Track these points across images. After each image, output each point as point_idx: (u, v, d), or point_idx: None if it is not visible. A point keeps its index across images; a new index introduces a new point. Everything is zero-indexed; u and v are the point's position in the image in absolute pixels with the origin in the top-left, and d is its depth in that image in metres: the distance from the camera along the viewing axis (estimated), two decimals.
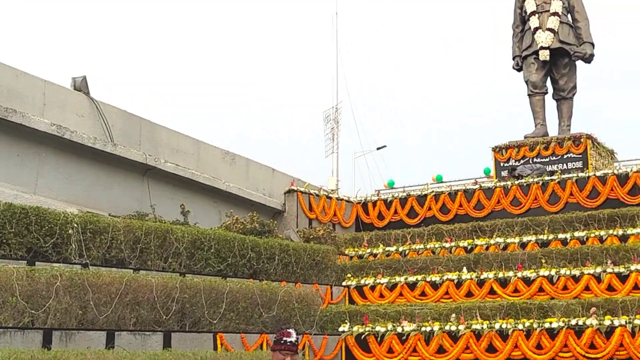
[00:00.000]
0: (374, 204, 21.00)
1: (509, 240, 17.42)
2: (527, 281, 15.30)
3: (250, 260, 15.26)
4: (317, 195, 20.58)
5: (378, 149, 37.16)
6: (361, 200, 21.41)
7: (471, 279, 15.87)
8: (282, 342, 6.08)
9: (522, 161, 20.53)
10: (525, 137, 21.47)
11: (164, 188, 18.16)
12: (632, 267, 14.41)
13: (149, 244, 13.69)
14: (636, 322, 12.29)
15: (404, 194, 20.86)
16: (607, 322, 12.51)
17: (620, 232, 16.40)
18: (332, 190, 21.98)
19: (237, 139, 56.96)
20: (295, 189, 20.37)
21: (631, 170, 18.31)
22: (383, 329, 14.20)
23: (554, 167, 19.96)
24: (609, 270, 14.59)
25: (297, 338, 6.09)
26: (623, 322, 12.41)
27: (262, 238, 16.21)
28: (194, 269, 14.20)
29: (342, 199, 21.30)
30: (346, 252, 18.90)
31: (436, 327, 13.82)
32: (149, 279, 12.27)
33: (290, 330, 6.11)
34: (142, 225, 13.90)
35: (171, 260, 13.94)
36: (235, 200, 19.98)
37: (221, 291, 13.14)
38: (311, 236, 18.84)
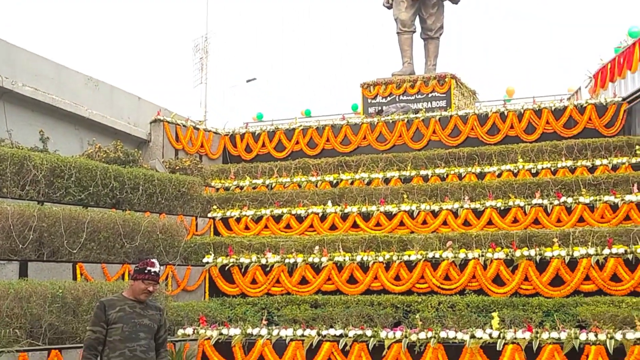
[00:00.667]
0: (242, 136, 21.23)
1: (373, 176, 18.03)
2: (389, 215, 16.00)
3: (113, 190, 15.18)
4: (184, 125, 20.59)
5: (248, 81, 37.05)
6: (229, 132, 21.56)
7: (335, 212, 16.39)
8: (146, 271, 6.31)
9: (388, 98, 21.23)
10: (392, 75, 22.18)
11: (21, 113, 17.67)
12: (487, 204, 15.34)
13: (5, 171, 13.34)
14: (488, 255, 13.18)
15: (272, 128, 21.19)
16: (461, 255, 13.30)
17: (478, 169, 17.42)
18: (200, 122, 21.99)
19: (103, 67, 55.17)
20: (162, 118, 20.31)
21: (491, 111, 19.41)
22: (247, 260, 14.56)
23: (420, 106, 20.73)
24: (465, 206, 15.52)
25: (160, 269, 6.38)
26: (476, 255, 13.23)
27: (126, 167, 16.09)
28: (53, 197, 14.03)
29: (209, 131, 21.36)
30: (212, 183, 19.02)
31: (299, 259, 14.27)
32: (4, 206, 12.07)
33: (154, 260, 6.34)
34: None
35: (29, 188, 13.70)
36: (98, 128, 19.79)
37: (81, 220, 13.12)
38: (177, 167, 18.89)
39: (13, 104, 17.27)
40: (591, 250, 12.65)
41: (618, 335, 9.97)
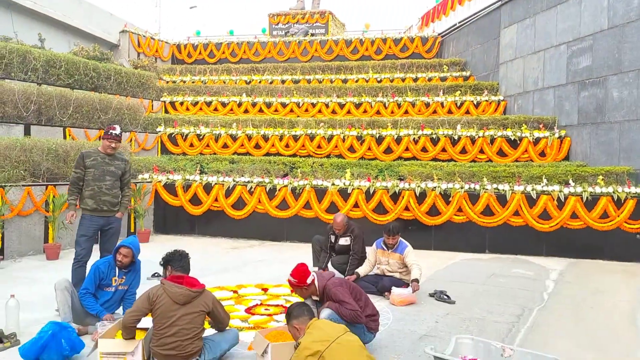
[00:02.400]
0: (185, 46, 20.47)
1: (274, 78, 17.83)
2: (284, 105, 16.01)
3: (92, 78, 14.53)
4: (144, 36, 19.78)
5: (190, 8, 35.39)
6: (176, 42, 20.73)
7: (248, 101, 16.29)
8: (109, 133, 6.26)
9: (287, 25, 21.00)
10: (289, 9, 21.83)
11: (25, 20, 16.83)
12: (347, 99, 15.57)
13: (12, 60, 12.63)
14: (346, 132, 13.51)
15: (206, 41, 20.57)
16: (329, 132, 13.62)
17: (343, 77, 17.53)
18: (156, 34, 21.03)
19: None
20: (128, 29, 19.53)
21: (353, 38, 19.44)
22: (187, 131, 14.41)
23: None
24: (333, 100, 15.72)
25: (121, 132, 6.33)
26: (338, 132, 13.57)
27: (102, 63, 15.42)
28: (49, 81, 13.35)
29: (162, 41, 20.49)
30: (164, 78, 18.40)
31: (222, 131, 14.24)
32: (12, 85, 11.51)
33: (116, 125, 6.33)
34: (6, 45, 12.77)
35: (30, 74, 12.99)
36: (81, 34, 19.12)
37: (69, 98, 12.60)
38: (139, 65, 18.17)
39: (19, 13, 16.19)
40: (410, 132, 13.15)
41: (422, 184, 10.62)
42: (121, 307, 5.55)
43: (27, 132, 11.51)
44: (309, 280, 4.81)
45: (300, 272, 4.83)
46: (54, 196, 9.56)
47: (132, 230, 11.47)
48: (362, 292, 5.03)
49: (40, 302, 6.36)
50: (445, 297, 6.84)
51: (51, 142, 10.44)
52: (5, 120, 11.44)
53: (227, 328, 4.76)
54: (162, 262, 4.78)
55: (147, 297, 4.39)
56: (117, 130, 6.31)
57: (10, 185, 9.08)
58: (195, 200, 11.75)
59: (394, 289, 6.61)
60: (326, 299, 4.80)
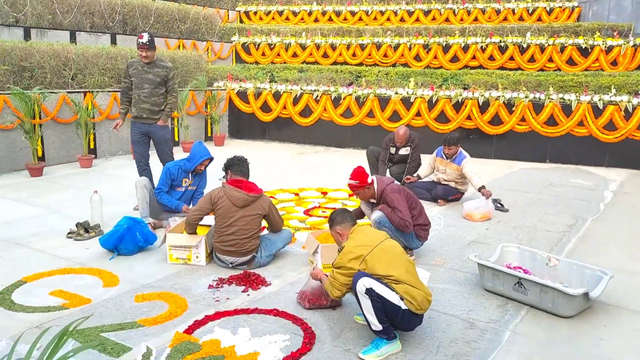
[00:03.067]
0: None
1: None
2: (352, 13, 15.30)
3: None
4: None
5: None
6: None
7: (318, 10, 15.64)
8: (138, 42, 5.91)
9: None
10: None
11: None
12: (416, 6, 14.69)
13: None
14: (413, 41, 12.83)
15: None
16: (396, 41, 12.92)
17: None
18: None
19: None
20: None
21: None
22: (259, 40, 14.15)
23: None
24: (402, 7, 14.82)
25: (150, 39, 5.95)
26: (405, 41, 12.87)
27: None
28: None
29: None
30: None
31: (292, 40, 13.87)
32: None
33: (144, 34, 5.97)
34: None
35: None
36: None
37: (150, 9, 12.60)
38: None
39: None
40: (478, 39, 12.26)
41: (486, 94, 10.02)
42: (192, 204, 5.71)
43: (113, 41, 11.68)
44: (369, 180, 4.65)
45: (360, 173, 4.64)
46: None
47: (208, 135, 11.69)
48: (418, 201, 4.84)
49: (124, 198, 6.67)
50: (499, 205, 6.57)
51: (134, 50, 10.54)
52: (93, 29, 11.63)
53: (282, 228, 4.79)
54: (223, 167, 4.80)
55: (209, 198, 4.45)
56: (144, 39, 5.95)
57: (98, 91, 9.34)
58: (265, 108, 11.73)
59: (468, 204, 6.19)
60: (382, 203, 4.67)
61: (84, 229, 5.29)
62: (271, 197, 6.85)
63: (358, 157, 9.97)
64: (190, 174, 5.58)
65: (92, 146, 9.23)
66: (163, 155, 6.28)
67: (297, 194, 7.03)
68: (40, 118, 8.31)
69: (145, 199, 5.45)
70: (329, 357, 3.15)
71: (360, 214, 4.93)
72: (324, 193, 7.11)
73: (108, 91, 9.55)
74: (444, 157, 6.73)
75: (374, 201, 4.76)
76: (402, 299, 3.12)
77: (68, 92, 8.86)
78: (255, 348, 3.22)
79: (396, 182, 4.89)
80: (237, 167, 4.65)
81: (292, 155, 10.37)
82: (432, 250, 5.03)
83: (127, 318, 3.59)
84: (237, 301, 3.88)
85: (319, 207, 6.45)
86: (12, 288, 4.04)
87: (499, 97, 9.87)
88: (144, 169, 6.27)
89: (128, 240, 4.69)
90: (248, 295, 3.99)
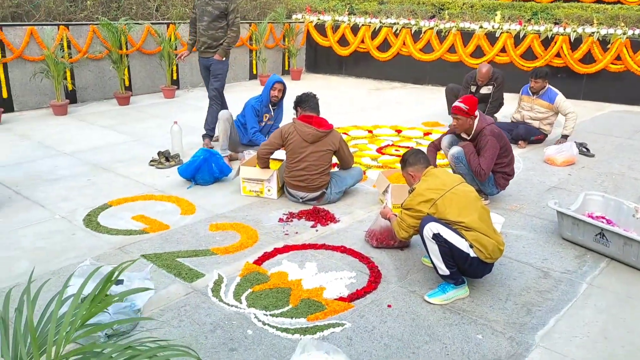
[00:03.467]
0: None
1: None
2: None
3: None
4: None
5: None
6: None
7: None
8: None
9: None
10: None
11: None
12: None
13: None
14: None
15: None
16: None
17: None
18: None
19: None
20: None
21: None
22: None
23: None
24: None
25: None
26: None
27: None
28: None
29: None
30: None
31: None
32: None
33: None
34: None
35: None
36: None
37: None
38: None
39: None
40: None
41: (579, 29, 9.14)
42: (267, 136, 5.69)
43: None
44: (475, 113, 4.28)
45: (472, 101, 4.27)
46: None
47: (286, 68, 11.56)
48: (512, 151, 4.47)
49: (202, 130, 6.77)
50: (584, 149, 6.09)
51: None
52: None
53: (353, 166, 4.68)
54: (293, 105, 4.68)
55: (280, 133, 4.39)
56: None
57: (180, 22, 9.38)
58: (343, 42, 11.38)
59: (550, 147, 5.79)
60: (476, 142, 4.34)
61: (165, 158, 5.43)
62: (344, 133, 6.72)
63: (436, 94, 9.55)
64: (270, 108, 5.52)
65: (174, 77, 9.39)
66: (209, 87, 6.12)
67: (370, 131, 6.85)
68: (126, 49, 8.49)
69: (227, 132, 5.45)
70: (394, 297, 3.09)
71: (435, 148, 4.64)
72: (399, 131, 6.87)
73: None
74: (530, 93, 6.25)
75: (466, 136, 4.44)
76: (471, 246, 2.96)
77: (152, 23, 8.95)
78: (321, 283, 3.21)
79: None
80: (306, 103, 4.52)
81: (368, 90, 10.08)
82: (509, 194, 4.76)
83: (201, 245, 3.68)
84: (305, 236, 3.87)
85: (392, 145, 6.25)
86: (99, 211, 4.24)
87: (593, 33, 8.98)
88: (214, 102, 6.13)
89: (205, 170, 4.77)
90: (317, 230, 3.96)
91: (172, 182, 4.90)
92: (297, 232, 3.92)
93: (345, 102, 8.91)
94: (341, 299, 3.06)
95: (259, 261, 3.47)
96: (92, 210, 4.25)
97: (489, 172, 4.28)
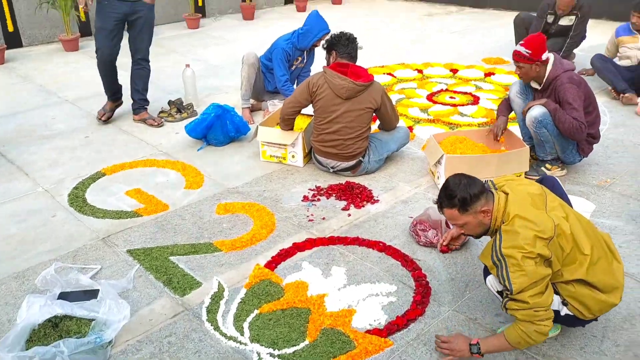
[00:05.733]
0: None
1: None
2: None
3: None
4: None
5: None
6: None
7: None
8: None
9: None
10: None
11: None
12: None
13: None
14: None
15: None
16: None
17: None
18: None
19: None
20: None
21: None
22: None
23: None
24: None
25: None
26: None
27: None
28: None
29: None
30: None
31: None
32: None
33: None
34: None
35: None
36: None
37: None
38: None
39: None
40: None
41: None
42: (296, 84, 4.79)
43: None
44: (544, 57, 3.30)
45: (537, 43, 3.28)
46: None
47: None
48: (597, 104, 3.48)
49: (226, 70, 5.92)
50: None
51: None
52: None
53: (397, 126, 3.77)
54: (325, 46, 3.72)
55: (307, 86, 3.50)
56: None
57: None
58: None
59: None
60: (550, 93, 3.38)
61: (177, 109, 4.66)
62: (389, 74, 5.72)
63: (498, 20, 8.24)
64: (305, 52, 4.57)
65: (200, 4, 8.42)
66: (143, 47, 4.33)
67: (420, 71, 5.81)
68: None
69: (251, 79, 4.53)
70: (447, 328, 2.31)
71: (508, 108, 3.69)
72: (454, 71, 5.80)
73: None
74: (632, 32, 4.98)
75: (537, 87, 3.46)
76: (565, 303, 2.07)
77: None
78: (350, 302, 2.45)
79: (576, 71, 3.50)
80: (344, 47, 3.57)
81: (419, 16, 8.83)
82: (595, 163, 3.77)
83: (203, 236, 2.96)
84: (334, 223, 3.08)
85: (447, 90, 5.23)
86: (89, 182, 3.56)
87: None
88: (106, 66, 4.27)
89: (217, 129, 3.98)
90: (349, 215, 3.16)
91: (181, 141, 4.15)
92: (324, 218, 3.14)
93: (392, 30, 7.77)
94: (376, 331, 2.30)
95: (273, 263, 2.73)
96: (81, 181, 3.57)
97: (585, 122, 3.30)
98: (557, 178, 2.51)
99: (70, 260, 2.74)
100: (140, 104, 4.49)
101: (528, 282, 1.89)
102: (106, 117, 4.49)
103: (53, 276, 2.45)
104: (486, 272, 2.22)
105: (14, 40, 6.76)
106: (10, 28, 6.73)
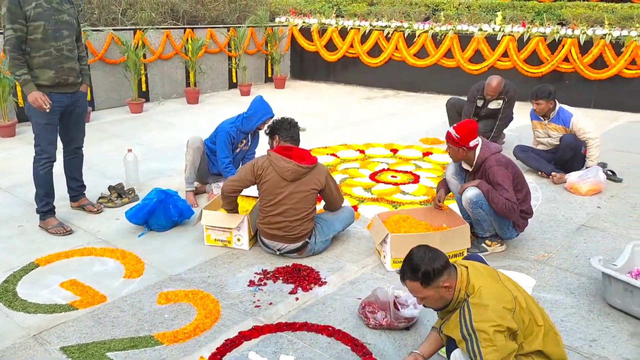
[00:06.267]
0: None
1: None
2: None
3: None
4: None
5: None
6: None
7: None
8: None
9: None
10: None
11: None
12: None
13: None
14: None
15: None
16: None
17: None
18: None
19: None
20: None
21: None
22: None
23: None
24: None
25: None
26: None
27: None
28: None
29: None
30: None
31: None
32: None
33: None
34: None
35: None
36: None
37: None
38: None
39: None
40: None
41: (590, 32, 8.35)
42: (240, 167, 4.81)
43: None
44: (472, 143, 3.48)
45: (467, 129, 3.46)
46: (192, 39, 8.86)
47: (269, 76, 10.70)
48: (525, 182, 3.67)
49: (170, 152, 5.91)
50: (609, 172, 5.28)
51: None
52: None
53: (342, 205, 3.83)
54: (267, 131, 3.80)
55: (252, 168, 3.52)
56: None
57: (150, 28, 8.48)
58: (330, 46, 10.53)
59: (572, 174, 4.93)
60: (480, 175, 3.53)
61: (117, 194, 4.55)
62: (332, 154, 5.87)
63: (432, 103, 8.74)
64: (249, 135, 4.63)
65: (144, 89, 8.49)
66: (81, 136, 4.22)
67: (362, 151, 6.00)
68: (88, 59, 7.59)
69: (195, 163, 4.51)
70: None
71: (443, 188, 3.84)
72: (394, 151, 6.03)
73: (161, 28, 8.66)
74: (540, 118, 5.33)
75: (468, 168, 3.63)
76: None
77: (115, 29, 8.04)
78: None
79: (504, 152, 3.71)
80: (286, 131, 3.66)
81: (358, 99, 9.25)
82: (532, 238, 3.92)
83: (143, 328, 2.81)
84: (282, 308, 3.01)
85: (389, 169, 5.40)
86: (21, 274, 3.35)
87: (604, 35, 8.20)
88: (51, 168, 3.97)
89: (160, 214, 3.90)
90: (297, 299, 3.10)
91: (121, 227, 4.02)
92: (271, 303, 3.06)
93: (333, 113, 8.07)
94: None
95: (218, 355, 2.60)
96: (12, 273, 3.36)
97: (516, 200, 3.46)
98: (481, 255, 2.60)
99: None
100: (79, 190, 4.36)
101: (499, 357, 1.90)
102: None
103: None
104: (450, 347, 2.20)
105: None
106: None
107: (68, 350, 2.63)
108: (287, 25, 10.86)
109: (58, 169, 4.12)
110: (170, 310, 2.98)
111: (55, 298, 3.09)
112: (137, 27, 8.38)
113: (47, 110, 3.72)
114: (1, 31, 3.45)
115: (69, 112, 4.00)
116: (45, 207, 3.99)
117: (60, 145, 4.04)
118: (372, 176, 5.20)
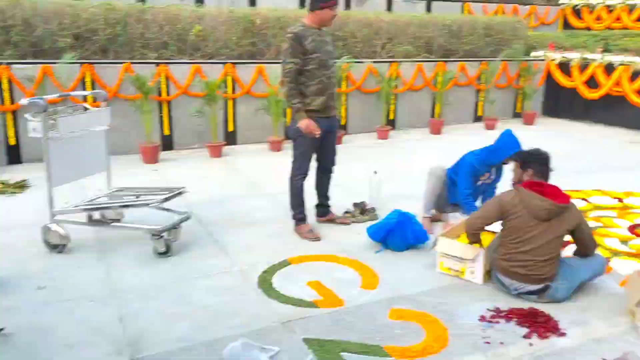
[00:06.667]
0: None
1: None
2: None
3: None
4: None
5: None
6: None
7: None
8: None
9: None
10: None
11: None
12: None
13: None
14: None
15: None
16: None
17: None
18: None
19: None
20: None
21: None
22: (594, 2, 11.86)
23: None
24: None
25: None
26: None
27: None
28: None
29: None
30: None
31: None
32: None
33: None
34: None
35: None
36: None
37: None
38: None
39: None
40: None
41: None
42: (480, 200, 4.75)
43: (428, 9, 11.26)
44: None
45: None
46: (443, 72, 9.08)
47: (517, 111, 10.32)
48: None
49: (411, 176, 6.12)
50: None
51: (447, 17, 9.88)
52: None
53: (594, 252, 3.49)
54: (518, 159, 3.65)
55: (499, 204, 3.44)
56: None
57: (405, 61, 8.97)
58: (592, 83, 9.67)
59: None
60: None
61: (360, 211, 4.91)
62: (584, 199, 5.38)
63: None
64: (493, 168, 4.59)
65: (391, 117, 8.99)
66: (333, 156, 4.63)
67: (621, 199, 5.36)
68: (347, 87, 8.38)
69: (435, 191, 4.65)
70: None
71: None
72: None
73: (415, 61, 9.08)
74: None
75: None
76: None
77: (373, 62, 8.70)
78: None
79: None
80: (538, 165, 3.50)
81: (620, 143, 8.28)
82: None
83: (375, 337, 2.98)
84: (513, 350, 2.88)
85: None
86: (277, 268, 3.86)
87: None
88: (304, 178, 4.50)
89: (397, 234, 4.09)
90: (530, 345, 2.93)
91: (362, 242, 4.32)
92: (502, 342, 2.95)
93: (588, 155, 7.38)
94: None
95: None
96: (270, 266, 3.89)
97: None
98: None
99: (254, 337, 2.94)
100: (328, 205, 4.82)
101: None
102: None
103: (239, 351, 2.66)
104: None
105: (231, 139, 7.86)
106: (230, 128, 7.87)
107: (309, 342, 2.94)
108: (544, 60, 10.33)
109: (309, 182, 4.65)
110: (401, 326, 3.10)
111: (303, 294, 3.47)
112: (393, 59, 8.93)
113: (317, 136, 4.24)
114: (280, 61, 4.14)
115: (327, 134, 4.45)
116: (299, 214, 4.53)
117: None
118: (632, 228, 4.61)
